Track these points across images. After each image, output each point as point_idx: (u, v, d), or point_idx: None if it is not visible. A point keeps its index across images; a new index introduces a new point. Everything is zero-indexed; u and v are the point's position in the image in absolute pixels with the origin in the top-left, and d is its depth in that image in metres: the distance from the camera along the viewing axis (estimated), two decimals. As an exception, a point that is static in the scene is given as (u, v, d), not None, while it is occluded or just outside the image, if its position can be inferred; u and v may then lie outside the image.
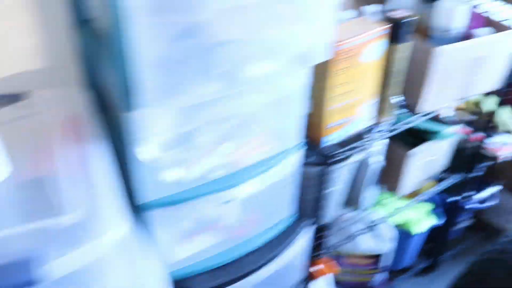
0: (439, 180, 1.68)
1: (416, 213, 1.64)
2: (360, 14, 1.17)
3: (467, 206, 1.75)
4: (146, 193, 0.87)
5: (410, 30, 1.06)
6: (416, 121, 1.25)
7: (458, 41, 1.26)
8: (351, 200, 1.44)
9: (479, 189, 1.78)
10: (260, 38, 0.80)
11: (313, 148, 1.11)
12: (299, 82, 0.95)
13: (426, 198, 1.61)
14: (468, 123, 1.51)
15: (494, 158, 1.56)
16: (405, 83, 1.24)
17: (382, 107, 1.15)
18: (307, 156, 1.10)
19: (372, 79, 1.10)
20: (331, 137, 1.10)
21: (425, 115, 1.26)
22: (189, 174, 0.90)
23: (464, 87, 1.25)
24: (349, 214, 1.49)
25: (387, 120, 1.18)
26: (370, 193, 1.46)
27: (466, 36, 1.31)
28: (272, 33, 0.81)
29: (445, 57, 1.13)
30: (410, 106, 1.23)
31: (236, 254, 1.07)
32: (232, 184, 0.96)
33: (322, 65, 0.98)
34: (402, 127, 1.22)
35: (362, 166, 1.38)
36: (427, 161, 1.45)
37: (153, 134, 0.80)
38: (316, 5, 0.83)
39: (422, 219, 1.62)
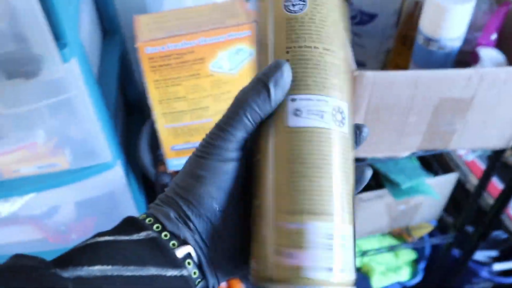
0: (438, 224, 1.22)
1: (389, 260, 1.23)
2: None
3: (481, 273, 1.26)
4: None
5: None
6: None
7: (449, 62, 0.78)
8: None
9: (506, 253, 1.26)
10: None
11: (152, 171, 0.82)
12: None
13: (410, 245, 1.19)
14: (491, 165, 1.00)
15: (513, 232, 1.04)
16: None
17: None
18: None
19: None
20: (181, 161, 0.80)
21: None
22: None
23: (425, 137, 0.79)
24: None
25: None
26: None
27: (468, 56, 0.80)
28: None
29: (381, 89, 0.70)
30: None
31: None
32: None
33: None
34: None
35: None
36: (393, 209, 1.02)
37: None
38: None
39: (394, 270, 1.21)
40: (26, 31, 0.55)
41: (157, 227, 0.31)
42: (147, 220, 0.32)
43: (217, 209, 0.32)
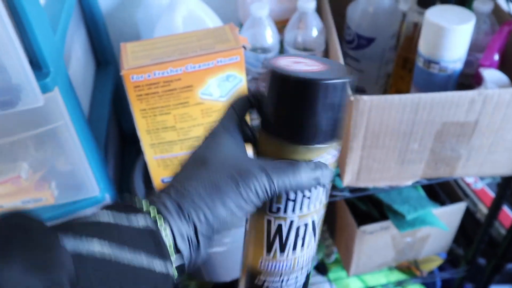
0: (448, 256, 1.16)
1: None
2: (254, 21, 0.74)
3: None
4: None
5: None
6: (341, 196, 0.80)
7: (450, 85, 0.75)
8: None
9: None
10: None
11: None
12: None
13: (419, 279, 1.13)
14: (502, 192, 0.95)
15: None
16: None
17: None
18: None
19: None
20: (172, 194, 0.76)
21: (353, 191, 0.80)
22: None
23: (429, 164, 0.75)
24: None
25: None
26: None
27: (470, 78, 0.77)
28: None
29: (380, 115, 0.66)
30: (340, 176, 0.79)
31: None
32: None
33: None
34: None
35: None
36: (399, 241, 0.97)
37: None
38: None
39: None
40: (3, 60, 0.53)
41: (154, 217, 0.32)
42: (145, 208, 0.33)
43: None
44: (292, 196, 0.36)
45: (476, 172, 0.77)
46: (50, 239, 0.28)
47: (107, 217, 0.31)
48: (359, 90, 0.90)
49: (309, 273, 0.43)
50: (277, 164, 0.34)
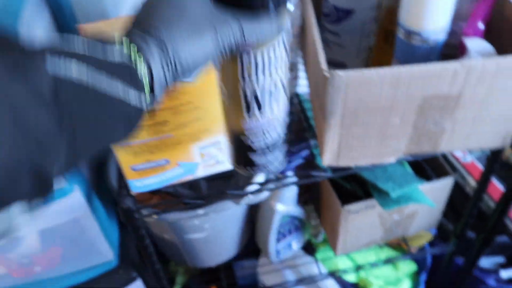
0: (438, 231, 1.14)
1: (388, 273, 1.15)
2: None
3: (488, 281, 1.17)
4: None
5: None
6: (320, 177, 0.77)
7: (433, 57, 0.71)
8: (261, 245, 1.04)
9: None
10: None
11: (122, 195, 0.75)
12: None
13: (409, 256, 1.11)
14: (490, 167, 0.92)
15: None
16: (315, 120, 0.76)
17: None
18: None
19: (208, 107, 0.66)
20: (144, 182, 0.73)
21: (336, 170, 0.77)
22: None
23: (412, 140, 0.71)
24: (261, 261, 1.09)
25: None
26: (291, 241, 1.04)
27: (454, 49, 0.73)
28: None
29: (357, 90, 0.63)
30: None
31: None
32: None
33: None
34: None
35: (262, 210, 0.96)
36: (386, 219, 0.95)
37: None
38: None
39: (393, 284, 1.13)
40: None
41: (134, 53, 0.33)
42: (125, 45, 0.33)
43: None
44: (260, 59, 0.43)
45: (461, 146, 0.74)
46: (32, 57, 0.28)
47: (82, 45, 0.31)
48: (340, 64, 0.86)
49: (285, 132, 0.56)
50: (245, 15, 0.38)
